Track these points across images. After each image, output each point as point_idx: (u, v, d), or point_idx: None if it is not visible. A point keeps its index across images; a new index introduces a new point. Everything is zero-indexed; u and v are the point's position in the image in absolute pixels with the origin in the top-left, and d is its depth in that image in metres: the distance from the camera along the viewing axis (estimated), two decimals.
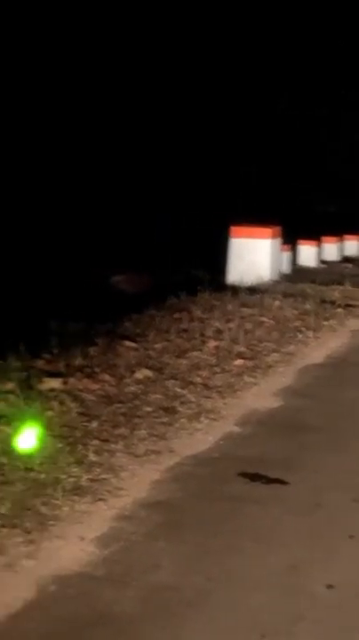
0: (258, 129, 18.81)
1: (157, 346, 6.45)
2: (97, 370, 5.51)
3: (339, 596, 2.89)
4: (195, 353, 6.40)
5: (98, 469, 3.90)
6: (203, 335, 6.98)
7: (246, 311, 8.25)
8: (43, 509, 3.41)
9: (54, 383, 5.05)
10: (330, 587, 2.94)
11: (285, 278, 11.92)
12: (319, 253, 16.08)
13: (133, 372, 5.60)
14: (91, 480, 3.77)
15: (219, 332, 7.16)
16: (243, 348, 6.72)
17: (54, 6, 13.40)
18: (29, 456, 3.89)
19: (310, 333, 7.61)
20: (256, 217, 11.86)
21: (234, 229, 11.33)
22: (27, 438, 4.07)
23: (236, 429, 4.77)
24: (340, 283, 11.39)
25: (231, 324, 7.50)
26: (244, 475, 4.00)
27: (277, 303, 8.79)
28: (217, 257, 11.42)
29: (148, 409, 4.91)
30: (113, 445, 4.24)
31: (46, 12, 13.21)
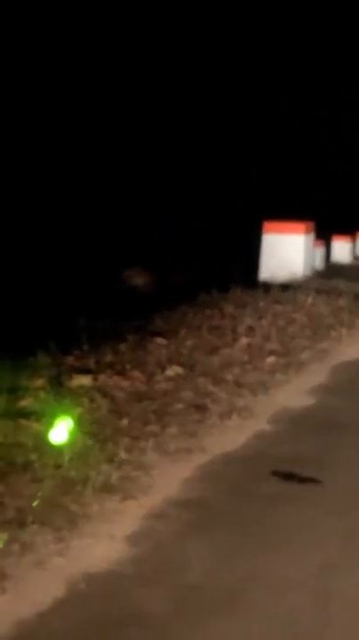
0: (259, 128, 18.73)
1: (188, 343, 6.41)
2: (127, 367, 5.48)
3: None
4: (227, 350, 6.34)
5: (128, 467, 3.86)
6: (234, 332, 6.92)
7: (278, 308, 8.17)
8: (73, 507, 3.38)
9: (84, 380, 5.03)
10: None
11: (318, 274, 11.82)
12: (353, 249, 15.92)
13: (164, 368, 5.56)
14: (122, 478, 3.73)
15: (250, 328, 7.10)
16: (275, 346, 6.66)
17: (54, 6, 13.42)
18: (59, 453, 3.87)
19: (344, 330, 7.52)
20: (289, 213, 11.76)
21: (266, 225, 11.24)
22: (57, 435, 4.05)
23: (268, 427, 4.71)
24: None
25: (263, 321, 7.43)
26: (277, 473, 3.95)
27: (310, 300, 8.70)
28: (249, 253, 11.35)
29: (179, 406, 4.87)
30: (143, 443, 4.20)
31: (46, 11, 13.23)
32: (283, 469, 3.99)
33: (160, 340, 6.33)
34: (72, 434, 4.12)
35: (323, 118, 21.02)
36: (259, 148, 17.86)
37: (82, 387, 4.91)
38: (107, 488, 3.59)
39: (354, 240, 15.97)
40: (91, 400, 4.71)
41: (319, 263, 12.93)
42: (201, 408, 4.87)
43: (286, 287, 9.56)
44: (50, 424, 4.13)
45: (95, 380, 5.09)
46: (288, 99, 19.18)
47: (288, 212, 11.72)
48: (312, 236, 11.84)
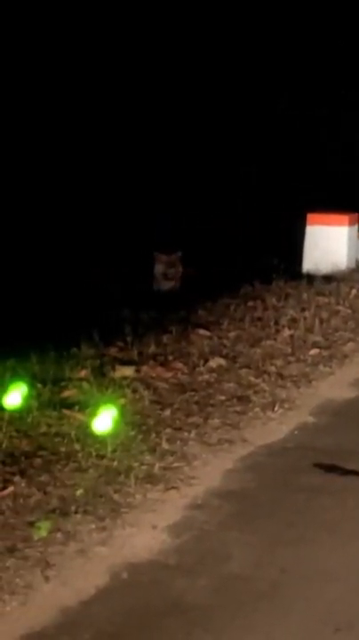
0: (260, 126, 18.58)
1: (231, 334, 6.40)
2: (170, 358, 5.49)
3: None
4: (270, 342, 6.32)
5: (170, 458, 3.89)
6: (277, 324, 6.89)
7: (322, 300, 8.11)
8: (116, 497, 3.41)
9: (127, 371, 5.06)
10: None
11: None
12: None
13: (207, 360, 5.56)
14: (164, 468, 3.76)
15: (293, 320, 7.06)
16: (318, 338, 6.61)
17: (53, 5, 13.44)
18: (102, 443, 3.90)
19: None
20: (333, 204, 11.65)
21: (310, 216, 11.14)
22: (101, 426, 4.08)
23: (311, 419, 4.69)
24: None
25: (306, 313, 7.38)
26: (320, 466, 3.94)
27: (354, 292, 8.61)
28: (292, 245, 11.28)
29: (222, 398, 4.87)
30: (186, 434, 4.22)
31: (45, 9, 13.26)
32: (326, 462, 3.98)
33: (203, 332, 6.33)
34: (116, 423, 4.15)
35: (324, 118, 20.84)
36: (300, 140, 17.76)
37: (125, 378, 4.93)
38: (149, 478, 3.62)
39: None
40: (134, 391, 4.74)
41: None
42: (243, 400, 4.87)
43: (329, 279, 9.48)
44: (93, 414, 4.17)
45: (138, 371, 5.11)
46: (288, 98, 19.06)
47: (332, 204, 11.61)
48: (356, 228, 11.72)
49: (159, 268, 9.87)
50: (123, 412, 4.37)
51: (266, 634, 2.53)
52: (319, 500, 3.55)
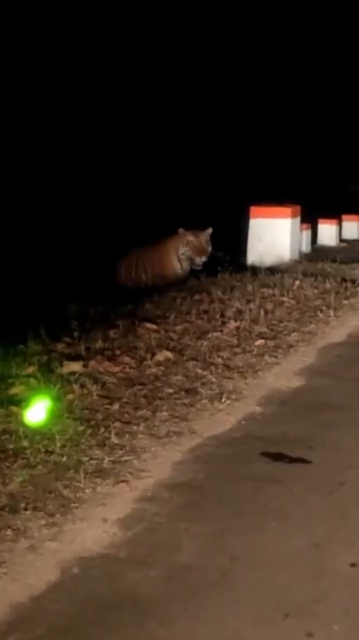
0: (280, 107, 18.70)
1: (178, 327, 6.44)
2: (117, 352, 5.51)
3: None
4: (216, 334, 6.38)
5: (120, 451, 3.90)
6: (223, 316, 6.96)
7: (266, 291, 8.20)
8: (66, 492, 3.42)
9: (75, 366, 5.05)
10: (353, 565, 2.93)
11: (305, 258, 11.85)
12: (339, 232, 15.95)
13: (154, 353, 5.59)
14: (113, 462, 3.77)
15: (239, 312, 7.13)
16: (263, 329, 6.69)
17: (53, 5, 13.37)
18: (51, 439, 3.90)
19: (331, 312, 7.56)
20: (275, 197, 11.77)
21: (253, 209, 11.26)
22: (48, 421, 4.08)
23: (258, 409, 4.75)
24: None
25: (251, 305, 7.46)
26: (267, 454, 3.99)
27: (297, 283, 8.74)
28: (236, 238, 11.37)
29: (170, 390, 4.90)
30: (134, 427, 4.24)
31: (45, 9, 13.18)
32: (273, 450, 4.04)
33: (150, 326, 6.36)
34: (63, 420, 4.15)
35: (309, 103, 21.03)
36: (243, 133, 17.86)
37: (72, 373, 4.93)
38: (99, 472, 3.63)
39: (339, 223, 16.00)
40: (82, 386, 4.74)
41: (305, 246, 12.96)
42: (191, 392, 4.91)
43: (273, 271, 9.60)
44: (40, 411, 4.17)
45: (85, 366, 5.11)
46: (273, 84, 19.18)
47: (274, 197, 11.73)
48: (298, 220, 11.87)
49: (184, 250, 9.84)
50: (71, 407, 4.37)
51: (217, 621, 2.57)
52: (267, 488, 3.60)
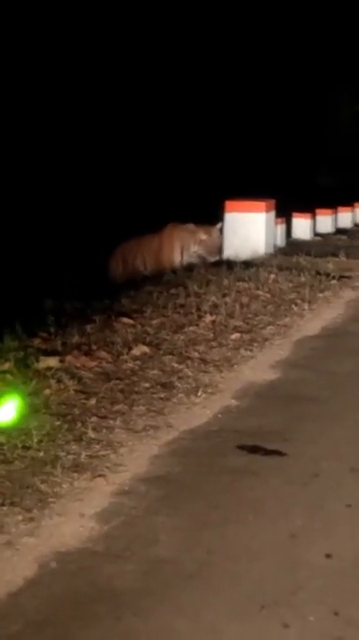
0: (252, 103, 18.77)
1: (154, 322, 6.45)
2: (94, 347, 5.51)
3: (337, 566, 2.91)
4: (192, 328, 6.39)
5: (97, 446, 3.91)
6: (199, 310, 6.98)
7: (242, 285, 8.23)
8: (43, 487, 3.42)
9: (51, 362, 5.05)
10: (328, 556, 2.96)
11: (280, 251, 11.89)
12: (313, 226, 16.02)
13: (131, 348, 5.60)
14: (90, 457, 3.78)
15: (215, 306, 7.15)
16: (239, 322, 6.72)
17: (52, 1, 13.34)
18: (28, 434, 3.90)
19: (306, 305, 7.61)
20: (250, 191, 11.80)
21: (228, 204, 11.28)
22: (25, 417, 4.08)
23: (234, 403, 4.78)
24: (335, 254, 11.37)
25: (227, 299, 7.49)
26: (243, 447, 4.02)
27: (272, 276, 8.77)
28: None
29: (146, 385, 4.91)
30: (111, 422, 4.25)
31: (44, 6, 13.15)
32: (249, 443, 4.07)
33: (126, 320, 6.36)
34: (40, 415, 4.15)
35: (283, 96, 21.09)
36: (218, 128, 17.89)
37: (49, 368, 4.93)
38: (76, 467, 3.64)
39: (313, 217, 16.07)
40: (59, 381, 4.74)
41: (280, 240, 13.01)
42: (167, 386, 4.92)
43: (249, 264, 9.63)
44: (17, 406, 4.16)
45: (62, 361, 5.11)
46: (248, 76, 19.22)
47: (249, 192, 11.76)
48: (273, 214, 11.91)
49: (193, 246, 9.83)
50: (47, 402, 4.37)
51: (194, 614, 2.59)
52: (243, 480, 3.62)
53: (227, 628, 2.52)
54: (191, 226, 10.01)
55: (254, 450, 3.99)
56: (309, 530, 3.17)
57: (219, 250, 10.11)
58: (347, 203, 18.81)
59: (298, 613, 2.59)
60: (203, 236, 9.94)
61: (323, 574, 2.85)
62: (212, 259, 9.92)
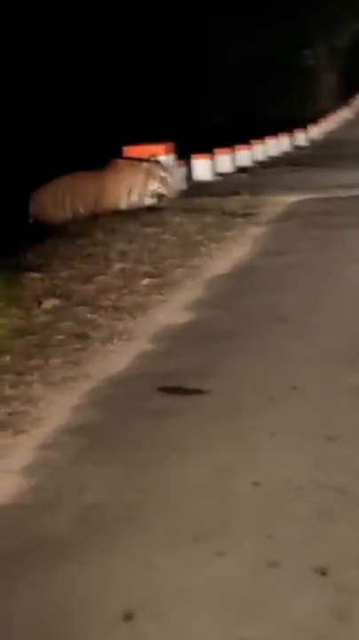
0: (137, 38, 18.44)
1: (63, 274, 6.38)
2: (2, 304, 5.41)
3: (265, 492, 2.97)
4: (102, 277, 6.35)
5: (16, 402, 3.87)
6: (107, 259, 6.93)
7: (148, 230, 8.21)
8: None
9: None
10: (256, 484, 3.02)
11: (183, 194, 11.88)
12: (213, 166, 16.03)
13: (41, 302, 5.53)
14: (10, 414, 3.74)
15: (122, 253, 7.12)
16: (148, 267, 6.71)
17: None
18: None
19: (213, 245, 7.64)
20: (146, 137, 11.68)
21: (126, 150, 11.16)
22: None
23: (150, 347, 4.78)
24: (237, 193, 11.43)
25: (134, 245, 7.46)
26: (163, 389, 4.04)
27: (177, 219, 8.77)
28: None
29: (60, 337, 4.87)
30: (28, 377, 4.20)
31: None
32: (169, 384, 4.09)
33: (34, 275, 6.28)
34: None
35: (180, 36, 20.80)
36: (111, 71, 17.58)
37: None
38: None
39: (213, 158, 16.07)
40: None
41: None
42: (82, 336, 4.89)
43: (153, 209, 9.59)
44: None
45: None
46: (141, 17, 18.86)
47: (145, 137, 11.65)
48: (172, 157, 11.85)
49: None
50: None
51: (130, 552, 2.61)
52: (166, 421, 3.65)
53: (162, 562, 2.55)
54: (144, 163, 9.55)
55: (175, 391, 4.01)
56: (235, 461, 3.22)
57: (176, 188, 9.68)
58: (244, 141, 18.86)
59: (231, 541, 2.64)
60: (163, 173, 9.55)
61: (253, 502, 2.90)
62: (172, 197, 9.56)
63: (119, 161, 9.85)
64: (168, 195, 9.55)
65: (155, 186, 9.48)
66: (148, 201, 9.54)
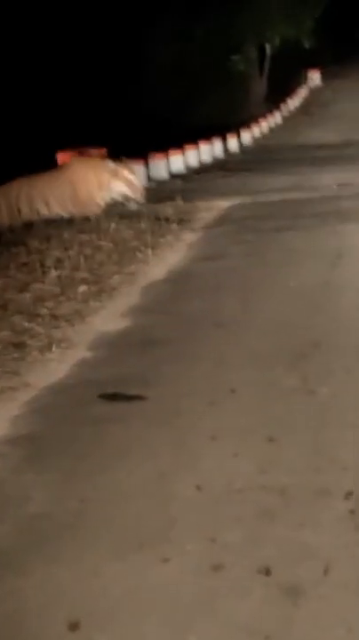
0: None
1: None
2: None
3: (207, 496, 3.00)
4: (38, 285, 6.32)
5: None
6: (43, 266, 6.89)
7: (84, 237, 8.18)
8: None
9: None
10: (199, 488, 3.05)
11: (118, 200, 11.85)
12: (147, 172, 16.04)
13: None
14: None
15: (59, 261, 7.09)
16: (85, 274, 6.69)
17: None
18: None
19: (149, 251, 7.66)
20: (79, 141, 11.63)
21: (60, 156, 11.09)
22: None
23: (89, 354, 4.78)
24: (172, 199, 11.46)
25: (70, 252, 7.43)
26: (104, 396, 4.04)
27: (113, 225, 8.76)
28: None
29: None
30: None
31: None
32: (109, 391, 4.09)
33: None
34: None
35: (116, 39, 20.70)
36: (47, 73, 17.42)
37: None
38: None
39: (146, 163, 16.08)
40: None
41: None
42: (20, 345, 4.86)
43: (89, 216, 9.55)
44: None
45: None
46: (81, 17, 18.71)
47: (77, 141, 11.59)
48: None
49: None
50: None
51: (75, 561, 2.61)
52: (107, 428, 3.66)
53: (108, 569, 2.56)
54: (110, 163, 9.10)
55: (115, 397, 4.02)
56: (177, 465, 3.25)
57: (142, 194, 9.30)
58: (178, 146, 18.91)
59: (175, 546, 2.67)
60: (130, 175, 9.18)
61: (196, 506, 2.93)
62: (137, 202, 9.16)
63: (76, 161, 9.48)
64: (134, 196, 9.23)
65: (119, 187, 9.14)
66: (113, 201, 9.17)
